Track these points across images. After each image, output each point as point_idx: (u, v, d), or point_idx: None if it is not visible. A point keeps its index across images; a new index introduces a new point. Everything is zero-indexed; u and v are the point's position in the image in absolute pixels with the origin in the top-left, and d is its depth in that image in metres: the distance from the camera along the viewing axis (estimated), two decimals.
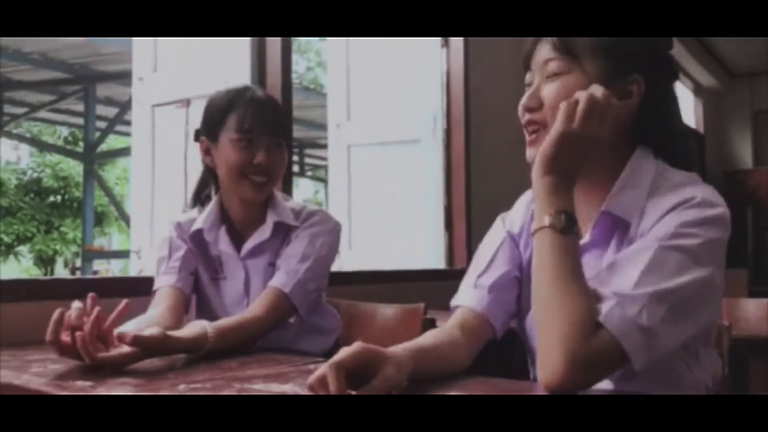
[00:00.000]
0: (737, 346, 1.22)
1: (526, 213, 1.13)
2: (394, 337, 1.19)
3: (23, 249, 13.15)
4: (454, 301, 1.13)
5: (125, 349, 1.10)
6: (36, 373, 1.09)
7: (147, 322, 1.28)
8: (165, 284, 1.48)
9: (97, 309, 1.11)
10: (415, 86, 3.32)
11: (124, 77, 7.28)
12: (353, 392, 0.81)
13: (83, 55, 8.00)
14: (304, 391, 0.85)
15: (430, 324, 1.57)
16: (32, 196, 12.90)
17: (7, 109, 10.22)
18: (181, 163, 2.68)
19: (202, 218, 1.53)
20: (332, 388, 0.79)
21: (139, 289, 1.58)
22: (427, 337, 1.05)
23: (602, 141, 0.93)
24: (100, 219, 12.98)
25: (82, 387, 0.99)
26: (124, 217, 11.26)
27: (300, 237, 1.49)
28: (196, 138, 1.54)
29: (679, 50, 5.95)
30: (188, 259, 1.52)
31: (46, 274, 12.37)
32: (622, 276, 0.88)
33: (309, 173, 14.51)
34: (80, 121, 10.73)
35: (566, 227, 0.90)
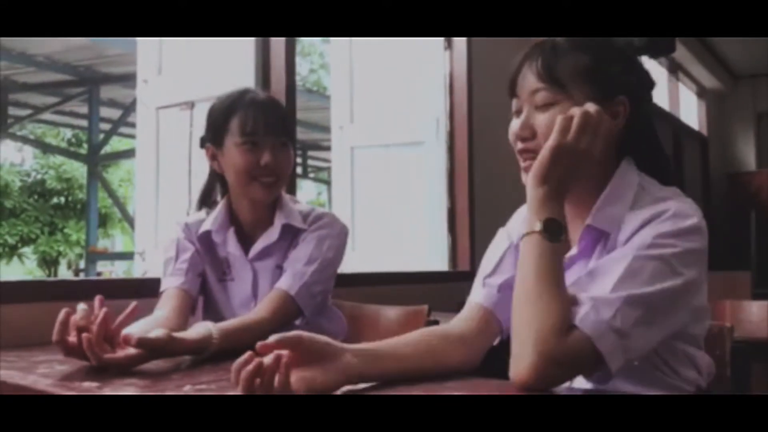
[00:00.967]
0: (739, 347, 1.23)
1: (524, 223, 1.16)
2: None
3: (27, 250, 13.18)
4: (467, 302, 1.17)
5: (131, 350, 1.10)
6: (43, 374, 1.10)
7: (153, 324, 1.29)
8: (171, 285, 1.48)
9: (104, 310, 1.12)
10: (418, 88, 3.32)
11: (128, 79, 7.29)
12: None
13: (87, 58, 8.02)
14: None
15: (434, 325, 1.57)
16: (36, 197, 12.94)
17: (12, 110, 10.25)
18: (185, 165, 2.69)
19: (210, 220, 1.53)
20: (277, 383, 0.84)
21: (143, 290, 1.58)
22: (415, 335, 1.09)
23: (594, 155, 0.98)
24: (103, 221, 13.02)
25: (89, 388, 1.00)
26: (128, 219, 11.29)
27: (307, 240, 1.50)
28: (202, 145, 1.54)
29: (682, 52, 5.95)
30: (195, 260, 1.52)
31: (49, 276, 12.39)
32: (599, 282, 0.93)
33: (312, 175, 14.53)
34: (84, 122, 10.76)
35: (554, 235, 0.95)
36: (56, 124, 12.61)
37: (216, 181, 1.58)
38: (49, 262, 13.15)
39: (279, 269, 1.49)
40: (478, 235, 3.20)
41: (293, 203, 1.57)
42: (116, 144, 12.33)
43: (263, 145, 1.46)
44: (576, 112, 0.97)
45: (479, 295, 1.14)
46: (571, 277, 1.01)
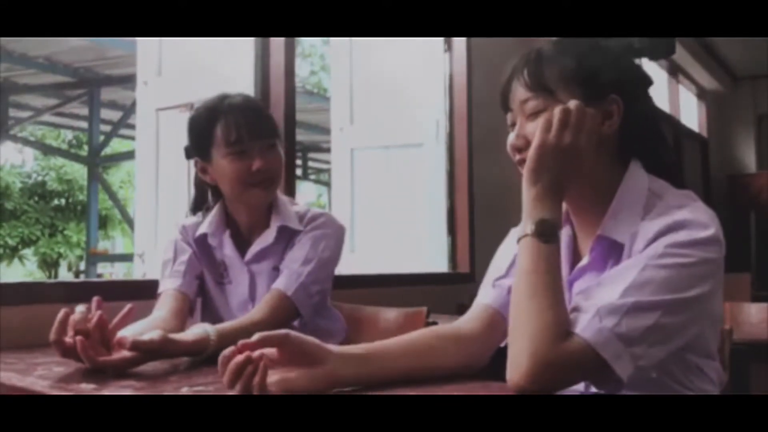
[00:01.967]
0: (739, 350, 1.23)
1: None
2: None
3: (27, 252, 13.19)
4: (474, 303, 1.16)
5: (126, 352, 1.10)
6: (40, 376, 1.10)
7: (150, 325, 1.29)
8: (169, 287, 1.48)
9: (98, 313, 1.12)
10: (418, 90, 3.32)
11: (128, 81, 7.30)
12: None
13: (88, 59, 8.02)
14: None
15: None
16: (36, 199, 12.94)
17: (12, 112, 10.25)
18: (185, 166, 2.69)
19: (206, 223, 1.53)
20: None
21: (143, 292, 1.58)
22: (419, 333, 1.10)
23: (581, 151, 0.96)
24: (104, 222, 13.02)
25: (86, 389, 1.00)
26: (128, 221, 11.29)
27: (303, 240, 1.49)
28: (188, 156, 1.53)
29: (681, 54, 5.94)
30: (193, 262, 1.52)
31: (50, 277, 12.39)
32: (608, 290, 0.91)
33: (312, 177, 14.52)
34: (84, 124, 10.76)
35: (546, 236, 0.94)
36: (57, 125, 12.61)
37: (207, 187, 1.58)
38: (49, 263, 13.16)
39: (276, 271, 1.49)
40: (477, 237, 3.20)
41: (290, 204, 1.56)
42: (117, 146, 12.33)
43: (251, 151, 1.44)
44: (556, 110, 0.96)
45: (488, 295, 1.14)
46: (580, 286, 1.00)
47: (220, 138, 1.44)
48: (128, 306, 1.15)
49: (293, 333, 0.91)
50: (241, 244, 1.53)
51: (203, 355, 1.21)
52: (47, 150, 13.35)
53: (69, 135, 13.91)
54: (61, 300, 1.62)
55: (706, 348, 1.02)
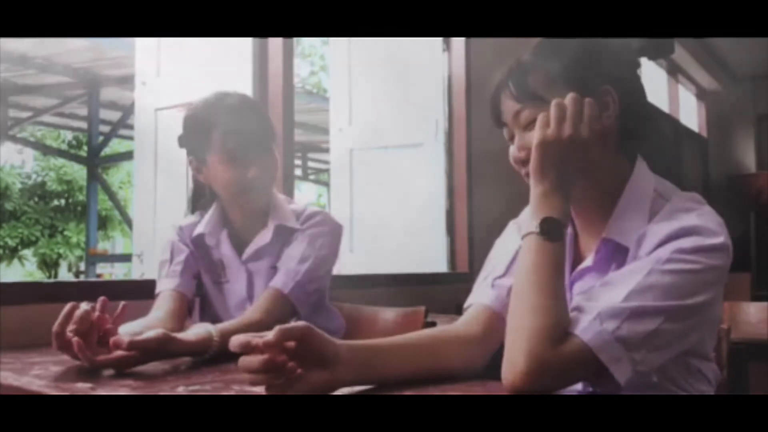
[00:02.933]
0: (737, 349, 1.23)
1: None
2: None
3: (27, 253, 13.18)
4: (468, 302, 1.15)
5: (124, 351, 1.10)
6: (37, 375, 1.10)
7: (148, 326, 1.29)
8: (167, 288, 1.48)
9: (96, 315, 1.11)
10: (416, 90, 3.32)
11: (127, 81, 7.29)
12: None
13: (87, 60, 8.02)
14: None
15: (431, 327, 1.57)
16: (36, 199, 12.94)
17: (12, 113, 10.25)
18: (184, 166, 2.69)
19: (203, 223, 1.53)
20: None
21: (142, 292, 1.58)
22: (419, 335, 1.09)
23: (583, 141, 0.95)
24: (103, 223, 13.02)
25: (82, 389, 0.99)
26: (128, 221, 11.28)
27: (300, 238, 1.49)
28: (182, 145, 1.52)
29: (681, 54, 5.95)
30: (190, 262, 1.52)
31: (49, 278, 12.39)
32: (612, 292, 0.90)
33: (312, 177, 14.52)
34: (84, 125, 10.75)
35: (551, 234, 0.93)
36: (56, 126, 12.60)
37: (203, 187, 1.57)
38: (49, 264, 13.16)
39: (274, 270, 1.49)
40: (476, 237, 3.20)
41: (287, 203, 1.56)
42: (116, 146, 12.32)
43: (248, 157, 1.44)
44: (552, 105, 0.95)
45: (487, 296, 1.12)
46: (582, 287, 1.00)
47: (217, 143, 1.43)
48: (121, 304, 1.15)
49: (314, 328, 0.89)
50: (239, 243, 1.53)
51: (206, 355, 1.21)
52: (47, 150, 13.35)
53: (68, 135, 13.91)
54: (57, 300, 1.62)
55: (705, 350, 1.02)
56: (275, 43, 2.41)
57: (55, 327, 1.10)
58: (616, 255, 0.98)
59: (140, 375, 1.10)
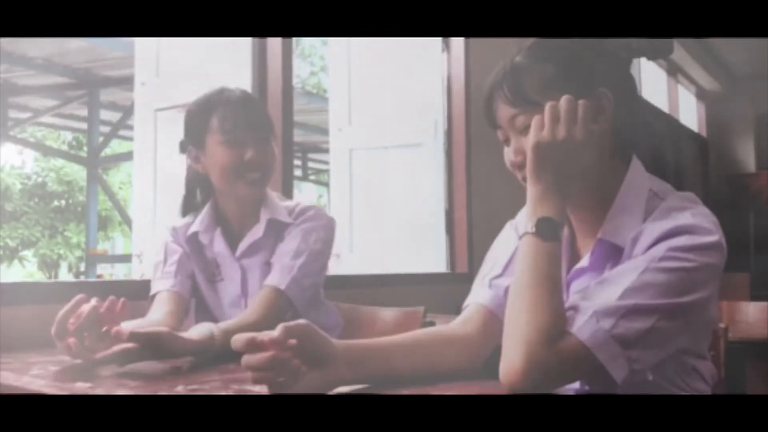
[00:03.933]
0: (735, 348, 1.23)
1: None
2: None
3: (27, 253, 13.18)
4: (466, 302, 1.15)
5: (123, 345, 1.10)
6: (36, 375, 1.10)
7: (146, 326, 1.29)
8: (162, 288, 1.48)
9: (102, 310, 1.12)
10: (416, 90, 3.33)
11: (127, 82, 7.29)
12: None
13: (87, 60, 8.02)
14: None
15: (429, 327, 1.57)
16: (36, 200, 12.94)
17: (12, 113, 10.25)
18: (183, 167, 2.69)
19: (197, 221, 1.54)
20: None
21: (142, 292, 1.58)
22: (416, 334, 1.10)
23: (579, 142, 0.95)
24: (104, 223, 13.02)
25: (81, 389, 1.00)
26: (128, 222, 11.28)
27: (293, 233, 1.49)
28: (183, 150, 1.54)
29: (680, 54, 5.95)
30: (184, 262, 1.52)
31: (50, 279, 12.39)
32: (607, 291, 0.90)
33: (312, 177, 14.52)
34: (84, 125, 10.75)
35: (547, 234, 0.94)
36: (56, 126, 12.61)
37: (196, 186, 1.58)
38: (49, 264, 13.16)
39: (268, 265, 1.49)
40: (476, 237, 3.20)
41: (279, 199, 1.57)
42: (116, 146, 12.33)
43: (245, 140, 1.46)
44: (546, 107, 0.95)
45: (484, 296, 1.12)
46: (578, 286, 1.00)
47: (216, 125, 1.46)
48: (122, 300, 1.15)
49: (314, 326, 0.90)
50: (232, 241, 1.53)
51: (207, 354, 1.22)
52: (47, 151, 13.35)
53: (69, 136, 13.91)
54: (58, 300, 1.62)
55: (700, 348, 1.02)
56: (274, 44, 2.41)
57: (59, 315, 1.12)
58: (611, 255, 0.99)
59: (139, 375, 1.10)
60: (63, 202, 13.11)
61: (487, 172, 3.26)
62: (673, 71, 6.71)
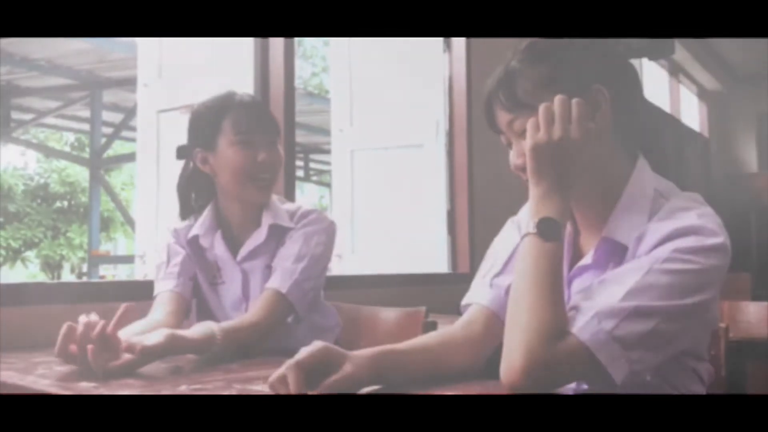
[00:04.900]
0: (735, 348, 1.23)
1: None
2: (395, 340, 1.20)
3: (30, 254, 13.21)
4: (466, 300, 1.15)
5: (131, 355, 1.11)
6: (41, 375, 1.11)
7: (148, 327, 1.30)
8: (164, 289, 1.49)
9: (102, 323, 1.11)
10: (417, 91, 3.33)
11: (130, 83, 7.30)
12: (311, 392, 0.87)
13: (89, 62, 8.03)
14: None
15: (431, 327, 1.57)
16: (39, 201, 12.97)
17: (15, 115, 10.27)
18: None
19: (197, 224, 1.54)
20: (292, 388, 0.86)
21: (144, 292, 1.59)
22: (422, 338, 1.10)
23: (576, 140, 0.94)
24: (106, 224, 13.05)
25: (86, 388, 1.00)
26: (130, 223, 11.31)
27: (294, 237, 1.49)
28: (181, 155, 1.54)
29: (682, 54, 5.95)
30: (186, 263, 1.53)
31: (52, 279, 12.41)
32: (610, 291, 0.90)
33: (314, 178, 14.53)
34: (86, 126, 10.77)
35: (548, 234, 0.94)
36: (59, 128, 12.63)
37: (190, 190, 1.58)
38: (52, 265, 13.19)
39: (269, 269, 1.49)
40: (477, 237, 3.20)
41: (280, 203, 1.57)
42: (118, 148, 12.34)
43: (258, 143, 1.47)
44: (540, 108, 0.95)
45: (485, 296, 1.12)
46: (580, 284, 1.00)
47: (229, 126, 1.46)
48: (123, 305, 1.15)
49: (315, 346, 0.92)
50: (233, 244, 1.54)
51: (208, 353, 1.22)
52: (49, 152, 13.38)
53: (71, 137, 13.94)
54: (61, 301, 1.63)
55: (700, 350, 1.02)
56: (276, 45, 2.42)
57: (57, 350, 1.10)
58: (614, 253, 0.98)
59: (143, 375, 1.11)
60: (65, 203, 13.13)
61: (489, 172, 3.26)
62: (675, 71, 6.70)
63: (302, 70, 14.24)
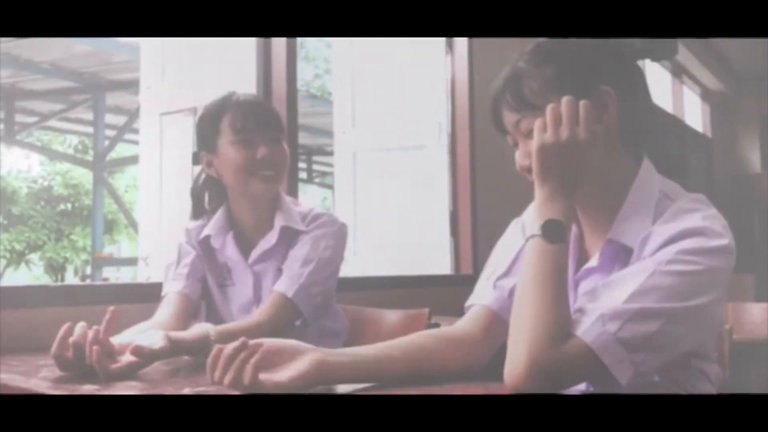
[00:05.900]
0: (739, 349, 1.23)
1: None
2: None
3: (34, 257, 13.23)
4: (470, 301, 1.15)
5: (131, 357, 1.11)
6: (44, 378, 1.11)
7: (152, 327, 1.30)
8: (172, 290, 1.49)
9: (95, 328, 1.10)
10: (419, 92, 3.33)
11: (133, 86, 7.32)
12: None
13: (92, 64, 8.06)
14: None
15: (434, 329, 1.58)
16: (43, 204, 12.99)
17: (19, 118, 10.30)
18: (189, 170, 2.70)
19: (210, 225, 1.54)
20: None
21: (148, 295, 1.59)
22: (417, 337, 1.10)
23: (584, 143, 0.94)
24: (109, 226, 13.06)
25: (89, 390, 1.00)
26: (134, 225, 11.33)
27: (304, 240, 1.49)
28: (196, 161, 1.54)
29: (685, 55, 5.94)
30: (196, 264, 1.53)
31: (56, 282, 12.43)
32: (614, 293, 0.90)
33: (317, 180, 14.54)
34: (90, 129, 10.81)
35: (553, 236, 0.94)
36: (62, 130, 12.66)
37: (203, 192, 1.58)
38: (55, 268, 13.21)
39: (280, 272, 1.49)
40: (480, 239, 3.20)
41: (293, 205, 1.57)
42: (122, 150, 12.37)
43: (257, 140, 1.46)
44: (548, 109, 0.95)
45: (488, 297, 1.12)
46: (586, 286, 1.00)
47: (227, 126, 1.46)
48: (110, 310, 1.13)
49: (268, 340, 0.94)
50: (245, 246, 1.54)
51: (203, 354, 1.22)
52: (53, 155, 13.41)
53: (74, 140, 13.96)
54: (64, 303, 1.63)
55: (706, 351, 1.02)
56: (279, 47, 2.42)
57: (54, 350, 1.09)
58: (620, 255, 0.98)
59: (146, 376, 1.11)
60: (69, 205, 13.16)
61: (492, 173, 3.26)
62: (678, 72, 6.69)
63: (305, 72, 14.24)
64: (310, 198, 15.02)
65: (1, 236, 12.10)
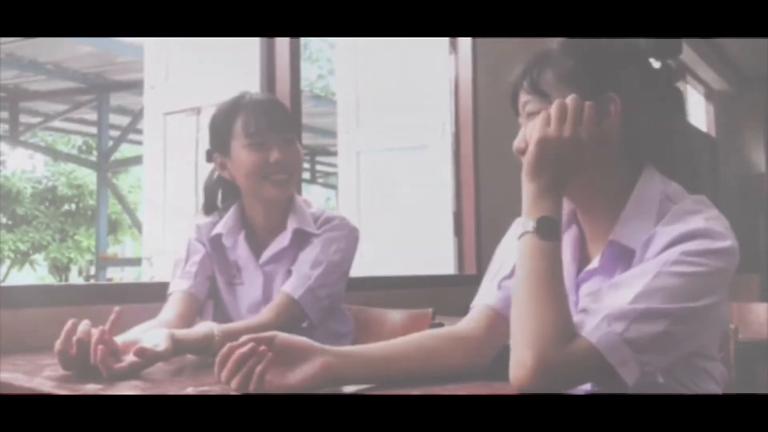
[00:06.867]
0: (745, 349, 1.23)
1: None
2: None
3: (38, 257, 13.26)
4: (475, 303, 1.16)
5: (135, 357, 1.11)
6: (48, 377, 1.11)
7: (158, 327, 1.30)
8: (178, 289, 1.49)
9: (100, 328, 1.10)
10: (423, 92, 3.33)
11: (137, 86, 7.33)
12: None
13: (96, 65, 8.07)
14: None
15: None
16: (47, 204, 13.02)
17: (23, 118, 10.32)
18: (192, 170, 2.71)
19: (222, 223, 1.53)
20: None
21: (152, 295, 1.59)
22: (420, 336, 1.10)
23: (581, 143, 0.95)
24: (113, 227, 13.08)
25: (92, 390, 1.00)
26: (138, 225, 11.34)
27: (314, 243, 1.49)
28: (209, 159, 1.53)
29: (689, 54, 5.93)
30: (205, 263, 1.52)
31: (60, 282, 12.46)
32: (619, 294, 0.90)
33: (321, 180, 14.55)
34: (94, 130, 10.83)
35: (548, 233, 0.94)
36: (66, 131, 12.69)
37: (219, 187, 1.58)
38: (60, 268, 13.23)
39: (290, 273, 1.48)
40: (484, 239, 3.19)
41: (306, 206, 1.56)
42: (126, 150, 12.38)
43: (270, 143, 1.45)
44: (554, 103, 0.97)
45: (491, 296, 1.13)
46: (588, 288, 1.00)
47: (240, 129, 1.45)
48: (115, 310, 1.14)
49: (281, 334, 0.93)
50: (256, 246, 1.53)
51: (207, 353, 1.22)
52: (57, 155, 13.43)
53: (79, 140, 13.99)
54: (68, 303, 1.63)
55: (710, 351, 1.02)
56: (282, 47, 2.42)
57: (58, 345, 1.09)
58: (622, 257, 0.99)
59: (149, 376, 1.11)
60: (73, 205, 13.18)
61: (495, 173, 3.26)
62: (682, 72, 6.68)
63: (308, 72, 14.25)
64: (313, 198, 15.02)
65: (6, 236, 12.13)
